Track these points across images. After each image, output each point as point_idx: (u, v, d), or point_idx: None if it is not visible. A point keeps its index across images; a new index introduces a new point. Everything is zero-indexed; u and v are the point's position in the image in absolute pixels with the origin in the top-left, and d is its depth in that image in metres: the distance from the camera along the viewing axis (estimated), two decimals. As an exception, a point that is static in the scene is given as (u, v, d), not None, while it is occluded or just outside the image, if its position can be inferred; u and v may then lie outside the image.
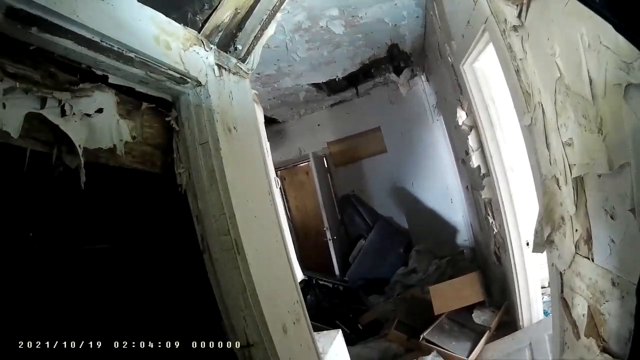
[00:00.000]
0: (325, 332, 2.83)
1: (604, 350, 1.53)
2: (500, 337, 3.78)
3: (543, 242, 2.03)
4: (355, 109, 6.55)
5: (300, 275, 2.51)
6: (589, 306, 1.66)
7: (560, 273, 1.96)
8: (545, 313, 3.61)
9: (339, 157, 6.82)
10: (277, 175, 4.34)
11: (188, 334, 1.91)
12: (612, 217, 1.31)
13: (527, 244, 3.54)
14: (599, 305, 1.55)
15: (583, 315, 1.74)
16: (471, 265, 5.13)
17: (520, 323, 3.69)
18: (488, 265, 4.72)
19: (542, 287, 3.82)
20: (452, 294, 4.37)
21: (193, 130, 1.79)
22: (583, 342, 1.77)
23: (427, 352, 3.69)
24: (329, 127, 6.78)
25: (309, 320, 2.14)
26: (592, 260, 1.53)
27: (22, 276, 1.85)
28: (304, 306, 2.13)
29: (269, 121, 6.36)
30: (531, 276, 3.60)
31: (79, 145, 1.42)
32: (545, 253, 2.17)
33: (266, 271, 1.88)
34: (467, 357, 3.54)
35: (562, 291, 1.99)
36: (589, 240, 1.53)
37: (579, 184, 1.55)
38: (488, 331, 3.82)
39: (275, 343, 1.76)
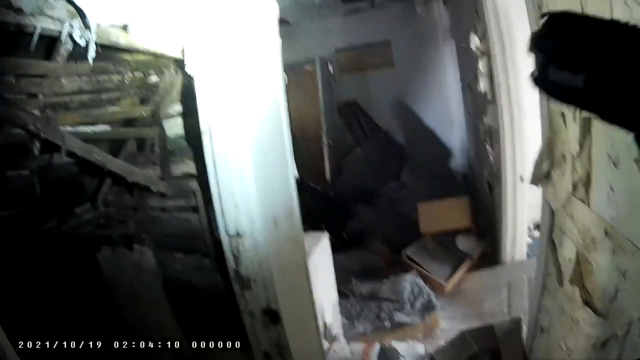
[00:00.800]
0: (311, 233, 2.88)
1: (587, 303, 1.51)
2: (480, 269, 3.89)
3: (541, 175, 1.98)
4: (369, 20, 6.22)
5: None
6: (577, 252, 1.62)
7: (553, 212, 1.91)
8: (528, 256, 3.70)
9: (346, 65, 6.62)
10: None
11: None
12: (615, 165, 1.23)
13: (522, 179, 3.51)
14: (587, 253, 1.51)
15: (570, 260, 1.70)
16: (462, 190, 5.15)
17: (503, 258, 3.79)
18: (479, 193, 4.73)
19: (529, 230, 3.89)
20: (440, 214, 4.37)
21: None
22: (566, 289, 1.75)
23: (407, 269, 3.82)
24: (339, 35, 6.45)
25: (300, 217, 2.12)
26: (588, 205, 1.47)
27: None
28: (297, 202, 2.08)
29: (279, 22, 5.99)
30: (520, 212, 3.60)
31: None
32: (539, 190, 2.13)
33: (263, 158, 1.81)
34: (446, 281, 3.68)
35: (551, 231, 1.95)
36: (587, 183, 1.46)
37: (586, 124, 1.45)
38: (470, 259, 3.93)
39: (265, 235, 1.75)
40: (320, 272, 2.80)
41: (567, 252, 1.75)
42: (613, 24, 0.56)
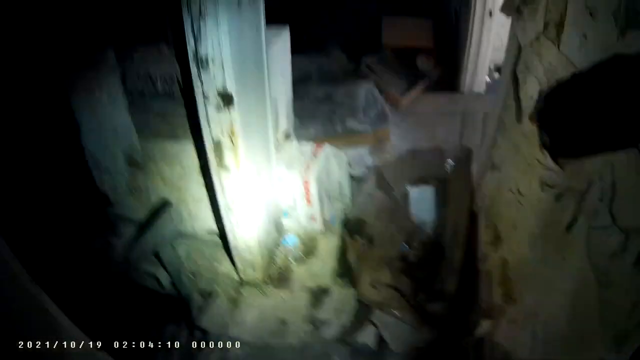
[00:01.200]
0: (273, 25, 2.55)
1: (545, 146, 1.44)
2: (437, 93, 3.85)
3: (513, 5, 1.83)
4: None
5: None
6: (540, 90, 1.51)
7: (520, 47, 1.76)
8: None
9: None
10: None
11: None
12: (591, 15, 1.16)
13: (490, 14, 3.39)
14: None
15: (532, 97, 1.60)
16: (428, 12, 4.77)
17: (461, 88, 3.72)
18: (444, 19, 4.41)
19: (489, 70, 3.80)
20: (404, 30, 4.15)
21: None
22: (523, 128, 1.68)
23: (364, 78, 3.66)
24: None
25: (263, 5, 2.05)
26: (558, 47, 1.39)
27: None
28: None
29: None
30: (484, 47, 3.52)
31: None
32: (504, 33, 2.01)
33: None
34: (402, 95, 3.59)
35: (515, 66, 1.81)
36: (560, 27, 1.38)
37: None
38: (428, 80, 3.82)
39: (227, 15, 1.71)
40: (278, 65, 2.55)
41: (530, 89, 1.65)
42: None
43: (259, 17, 2.05)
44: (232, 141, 2.02)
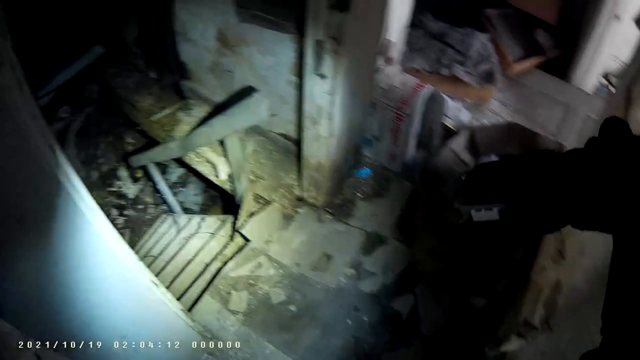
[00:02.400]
0: None
1: None
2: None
3: None
4: None
5: None
6: None
7: None
8: None
9: None
10: None
11: None
12: None
13: (617, 17, 2.99)
14: None
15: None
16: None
17: (571, 80, 3.34)
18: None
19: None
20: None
21: None
22: None
23: (482, 29, 3.25)
24: None
25: None
26: None
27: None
28: None
29: None
30: (604, 49, 3.16)
31: None
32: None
33: None
34: (515, 61, 3.19)
35: (633, 84, 1.50)
36: None
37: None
38: (544, 55, 3.39)
39: None
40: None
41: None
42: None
43: None
44: (335, 47, 1.72)
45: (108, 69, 2.84)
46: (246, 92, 2.16)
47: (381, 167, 2.47)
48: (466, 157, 2.60)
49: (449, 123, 2.70)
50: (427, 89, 2.41)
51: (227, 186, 2.35)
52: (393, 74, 2.43)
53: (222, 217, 2.51)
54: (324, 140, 2.04)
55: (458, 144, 2.62)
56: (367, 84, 2.24)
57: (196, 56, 2.34)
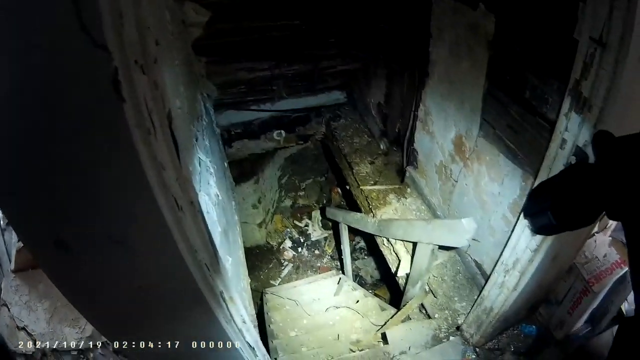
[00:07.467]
0: None
1: None
2: None
3: None
4: None
5: None
6: None
7: None
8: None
9: None
10: None
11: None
12: None
13: None
14: None
15: None
16: None
17: None
18: None
19: None
20: None
21: None
22: None
23: None
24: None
25: None
26: None
27: None
28: None
29: None
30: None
31: None
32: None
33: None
34: None
35: None
36: None
37: None
38: None
39: None
40: None
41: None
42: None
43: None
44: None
45: (340, 119, 3.09)
46: (461, 209, 2.18)
47: (546, 328, 2.24)
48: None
49: (624, 307, 2.32)
50: (622, 269, 2.13)
51: (401, 282, 2.37)
52: (600, 244, 2.19)
53: (383, 305, 2.52)
54: (505, 290, 1.93)
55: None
56: (571, 251, 2.06)
57: (429, 150, 2.40)
